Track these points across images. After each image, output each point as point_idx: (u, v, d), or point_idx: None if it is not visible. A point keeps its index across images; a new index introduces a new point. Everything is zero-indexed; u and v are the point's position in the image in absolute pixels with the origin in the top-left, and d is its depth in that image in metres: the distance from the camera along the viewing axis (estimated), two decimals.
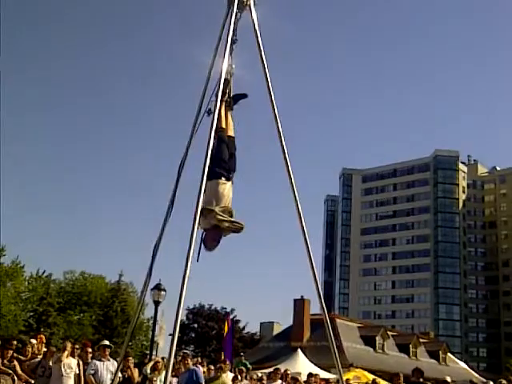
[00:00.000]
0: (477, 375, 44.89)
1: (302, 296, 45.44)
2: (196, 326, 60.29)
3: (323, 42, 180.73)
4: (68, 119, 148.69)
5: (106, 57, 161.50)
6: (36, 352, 13.48)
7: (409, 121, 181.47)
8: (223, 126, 6.62)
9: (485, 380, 20.80)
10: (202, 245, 6.16)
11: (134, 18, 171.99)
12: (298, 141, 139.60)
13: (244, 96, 7.04)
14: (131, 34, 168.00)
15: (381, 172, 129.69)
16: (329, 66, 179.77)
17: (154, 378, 13.12)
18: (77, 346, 13.11)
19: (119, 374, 12.17)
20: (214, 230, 6.16)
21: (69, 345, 12.31)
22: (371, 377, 27.50)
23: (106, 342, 13.17)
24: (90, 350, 13.65)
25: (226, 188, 6.30)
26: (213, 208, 6.06)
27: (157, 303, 19.68)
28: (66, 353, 12.03)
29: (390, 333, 50.62)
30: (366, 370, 32.68)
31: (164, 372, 11.56)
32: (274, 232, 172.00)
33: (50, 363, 12.09)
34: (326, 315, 6.53)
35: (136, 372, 13.97)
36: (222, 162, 6.38)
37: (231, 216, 6.20)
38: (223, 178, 6.30)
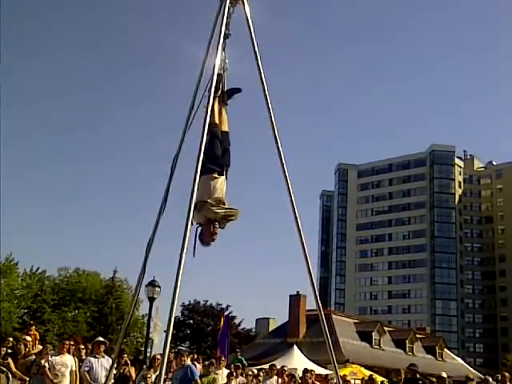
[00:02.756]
0: (473, 371, 44.92)
1: (297, 292, 45.34)
2: (191, 322, 60.15)
3: (318, 35, 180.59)
4: (61, 114, 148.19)
5: (97, 50, 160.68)
6: (30, 349, 13.43)
7: (405, 115, 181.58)
8: (216, 121, 6.59)
9: (482, 376, 20.76)
10: (198, 240, 6.13)
11: (124, 12, 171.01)
12: (293, 136, 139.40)
13: (238, 90, 7.02)
14: (123, 28, 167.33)
15: (376, 167, 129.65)
16: (323, 59, 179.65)
17: (149, 375, 13.03)
18: (72, 343, 13.05)
19: (114, 371, 12.10)
20: (209, 224, 6.13)
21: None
22: (368, 373, 27.55)
23: (101, 339, 13.08)
24: (82, 346, 13.59)
25: (219, 182, 6.31)
26: (206, 200, 6.04)
27: (151, 299, 19.65)
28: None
29: (386, 328, 50.67)
30: (362, 365, 32.71)
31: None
32: (270, 227, 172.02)
33: (43, 362, 12.03)
34: (322, 311, 6.51)
35: (132, 369, 13.89)
36: (216, 158, 6.36)
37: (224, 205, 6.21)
38: (216, 173, 6.28)
